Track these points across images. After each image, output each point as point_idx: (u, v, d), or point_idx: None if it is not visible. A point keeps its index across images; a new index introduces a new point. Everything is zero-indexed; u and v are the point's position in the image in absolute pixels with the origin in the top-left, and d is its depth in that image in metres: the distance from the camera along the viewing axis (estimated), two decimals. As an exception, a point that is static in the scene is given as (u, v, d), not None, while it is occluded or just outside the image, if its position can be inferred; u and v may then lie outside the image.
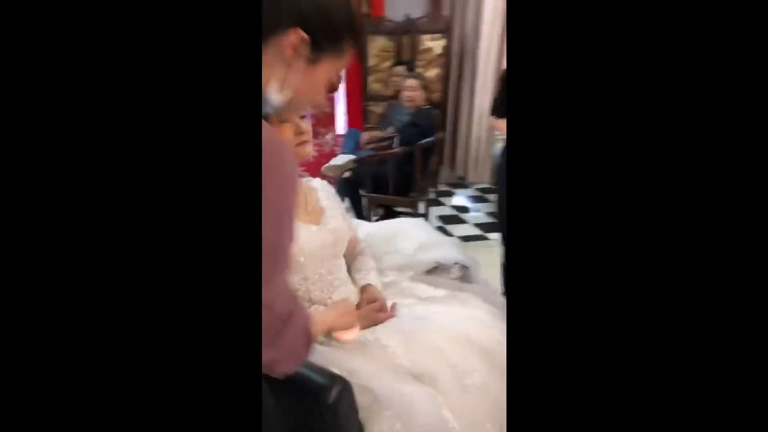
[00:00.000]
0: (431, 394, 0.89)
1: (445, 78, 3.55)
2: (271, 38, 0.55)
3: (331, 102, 3.45)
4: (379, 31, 3.52)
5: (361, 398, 0.85)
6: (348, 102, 3.71)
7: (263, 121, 0.51)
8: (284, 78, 0.57)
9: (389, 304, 1.10)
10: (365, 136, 3.18)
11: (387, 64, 3.60)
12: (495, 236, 2.84)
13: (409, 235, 1.36)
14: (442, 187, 3.76)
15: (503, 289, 1.70)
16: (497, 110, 1.60)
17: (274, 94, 0.58)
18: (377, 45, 3.56)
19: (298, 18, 0.55)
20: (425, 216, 2.69)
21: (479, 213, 3.28)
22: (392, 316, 1.06)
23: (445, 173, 3.95)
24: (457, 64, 3.70)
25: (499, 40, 3.43)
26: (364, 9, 3.59)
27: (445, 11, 3.57)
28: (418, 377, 0.92)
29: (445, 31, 3.46)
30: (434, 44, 3.50)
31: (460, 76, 3.74)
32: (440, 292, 1.16)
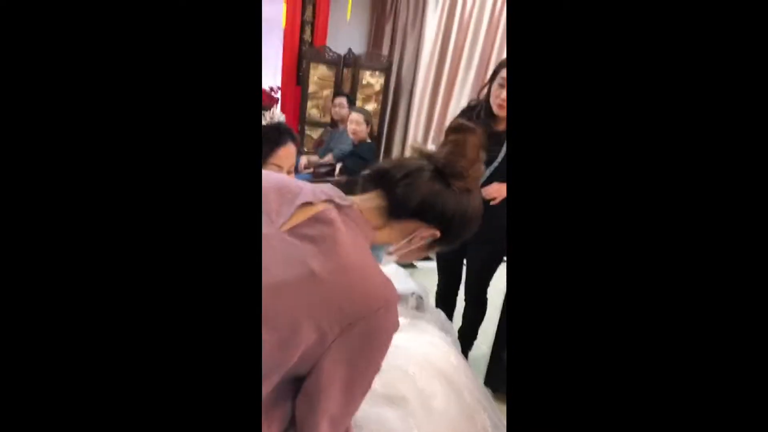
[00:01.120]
0: (403, 417, 0.97)
1: (381, 113, 3.74)
2: (415, 220, 0.62)
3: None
4: (320, 60, 3.62)
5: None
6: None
7: (376, 268, 0.55)
8: (400, 248, 0.65)
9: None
10: (303, 160, 3.22)
11: (327, 92, 3.70)
12: (422, 264, 3.01)
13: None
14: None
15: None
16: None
17: (385, 254, 0.65)
18: (317, 73, 3.66)
19: (443, 222, 0.62)
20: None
21: (407, 242, 3.44)
22: None
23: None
24: (392, 101, 3.91)
25: (435, 82, 3.71)
26: (308, 36, 3.68)
27: (385, 49, 3.78)
28: (390, 400, 1.00)
29: (385, 69, 3.67)
30: (374, 81, 3.68)
31: (394, 112, 3.96)
32: (402, 321, 1.25)
